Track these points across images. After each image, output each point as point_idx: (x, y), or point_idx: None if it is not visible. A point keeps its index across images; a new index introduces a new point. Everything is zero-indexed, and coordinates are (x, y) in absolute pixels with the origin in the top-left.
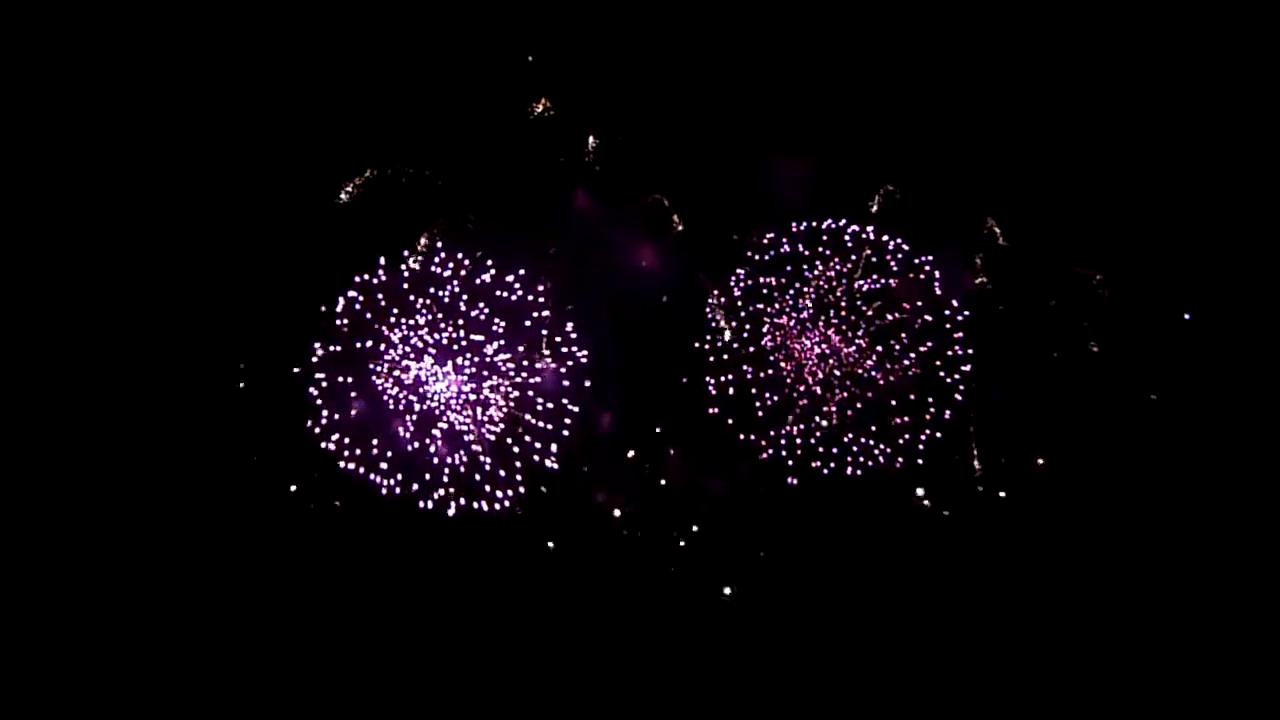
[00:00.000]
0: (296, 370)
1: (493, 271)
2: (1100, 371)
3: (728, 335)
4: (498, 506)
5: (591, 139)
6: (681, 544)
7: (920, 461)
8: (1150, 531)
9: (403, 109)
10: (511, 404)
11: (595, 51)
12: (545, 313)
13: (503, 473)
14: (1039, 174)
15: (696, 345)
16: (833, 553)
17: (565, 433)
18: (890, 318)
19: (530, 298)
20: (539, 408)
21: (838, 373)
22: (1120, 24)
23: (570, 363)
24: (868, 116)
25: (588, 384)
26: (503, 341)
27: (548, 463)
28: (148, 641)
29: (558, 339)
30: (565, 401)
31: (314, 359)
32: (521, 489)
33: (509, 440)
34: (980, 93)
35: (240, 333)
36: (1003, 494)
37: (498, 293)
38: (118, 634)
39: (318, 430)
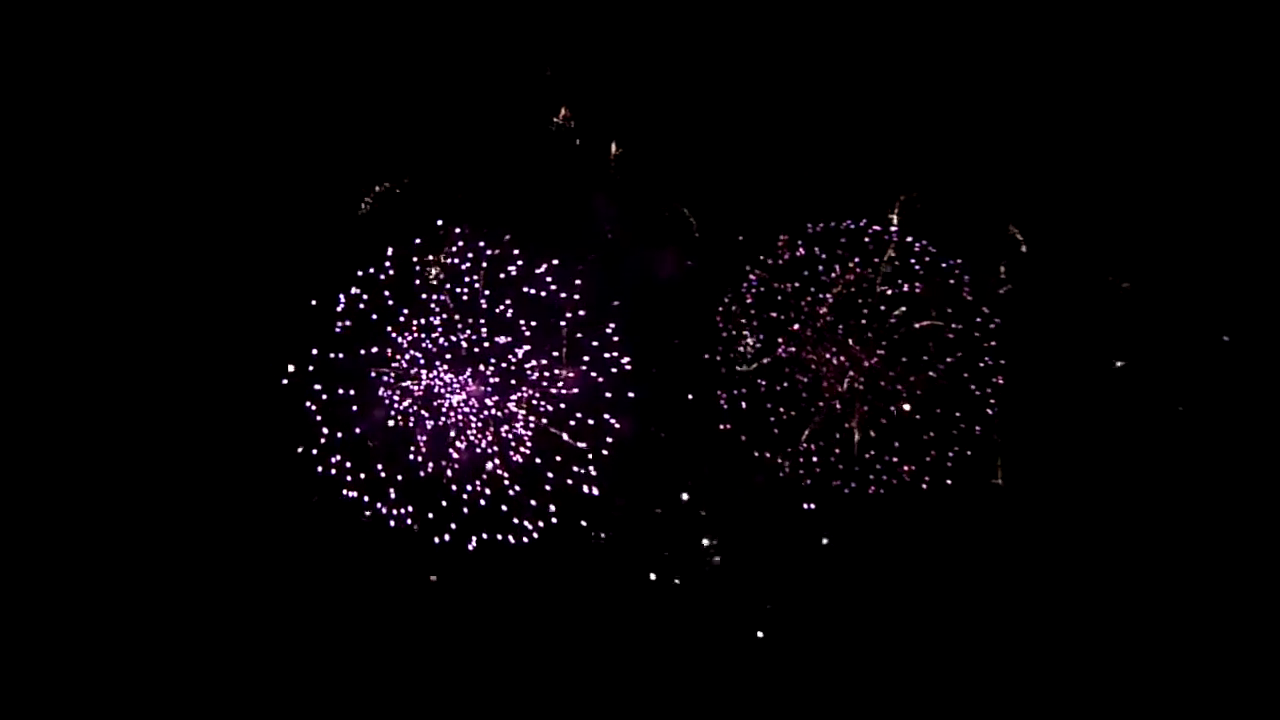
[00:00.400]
0: (287, 382)
1: (520, 263)
2: (1128, 384)
3: (750, 343)
4: (525, 540)
5: (614, 146)
6: (707, 559)
7: (949, 481)
8: (1182, 549)
9: (420, 118)
10: (542, 419)
11: (614, 60)
12: (581, 312)
13: (532, 500)
14: (1063, 180)
15: (707, 357)
16: (855, 575)
17: (605, 452)
18: (917, 326)
19: (564, 295)
20: (573, 423)
21: (859, 385)
22: (1151, 28)
23: (614, 369)
24: (887, 120)
25: (631, 395)
26: (530, 346)
27: (584, 488)
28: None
29: (595, 343)
30: (608, 416)
31: (310, 368)
32: (553, 519)
33: (538, 461)
34: (1000, 95)
35: (231, 338)
36: (1031, 512)
37: (525, 288)
38: (96, 689)
39: (316, 451)
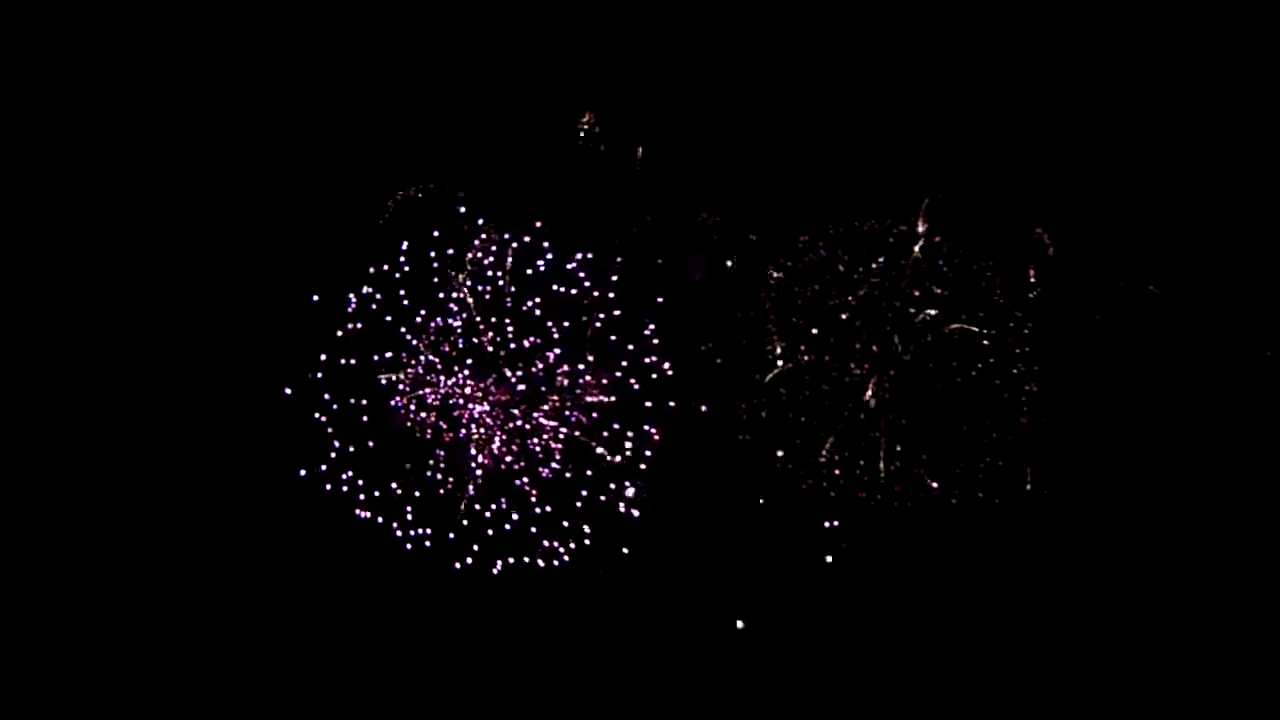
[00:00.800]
0: (289, 392)
1: (549, 257)
2: (1159, 393)
3: (776, 348)
4: (555, 563)
5: (639, 151)
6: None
7: (980, 494)
8: (1222, 561)
9: (440, 123)
10: (574, 430)
11: (634, 64)
12: (617, 312)
13: (564, 521)
14: (1093, 182)
15: (721, 363)
16: (881, 591)
17: (643, 466)
18: (945, 331)
19: (597, 293)
20: (608, 435)
21: (884, 393)
22: (1185, 30)
23: (654, 375)
24: (913, 121)
25: (671, 404)
26: (559, 350)
27: (620, 507)
28: None
29: (630, 347)
30: (648, 428)
31: (318, 375)
32: (587, 541)
33: (568, 476)
34: (1028, 96)
35: (230, 342)
36: (1064, 526)
37: (555, 286)
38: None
39: (325, 467)
